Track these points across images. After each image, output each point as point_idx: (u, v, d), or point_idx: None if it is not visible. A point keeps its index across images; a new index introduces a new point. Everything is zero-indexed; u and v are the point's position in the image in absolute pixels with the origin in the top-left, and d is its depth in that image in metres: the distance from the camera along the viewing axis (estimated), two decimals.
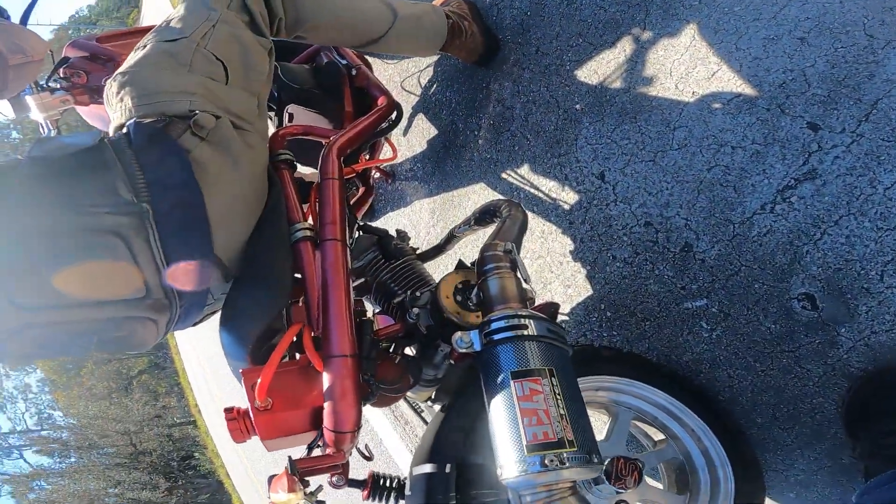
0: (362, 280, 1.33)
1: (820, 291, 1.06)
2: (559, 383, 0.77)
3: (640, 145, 1.32)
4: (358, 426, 0.88)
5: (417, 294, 1.07)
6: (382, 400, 1.00)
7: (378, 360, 0.96)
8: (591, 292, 1.43)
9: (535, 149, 1.58)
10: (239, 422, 0.89)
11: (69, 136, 1.00)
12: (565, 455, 0.70)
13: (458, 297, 1.03)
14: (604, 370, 1.10)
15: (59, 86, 1.46)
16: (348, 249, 1.05)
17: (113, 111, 0.97)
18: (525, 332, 0.81)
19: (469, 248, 1.83)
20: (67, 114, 1.54)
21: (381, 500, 0.95)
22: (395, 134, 2.11)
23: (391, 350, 1.06)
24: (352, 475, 0.94)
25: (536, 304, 1.06)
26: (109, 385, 23.09)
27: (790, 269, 1.10)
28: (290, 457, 0.87)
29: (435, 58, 1.94)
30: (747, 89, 1.16)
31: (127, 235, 0.83)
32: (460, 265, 1.11)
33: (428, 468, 0.89)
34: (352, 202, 1.70)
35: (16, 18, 1.30)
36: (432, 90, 1.96)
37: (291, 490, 0.80)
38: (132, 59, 1.01)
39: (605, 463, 0.78)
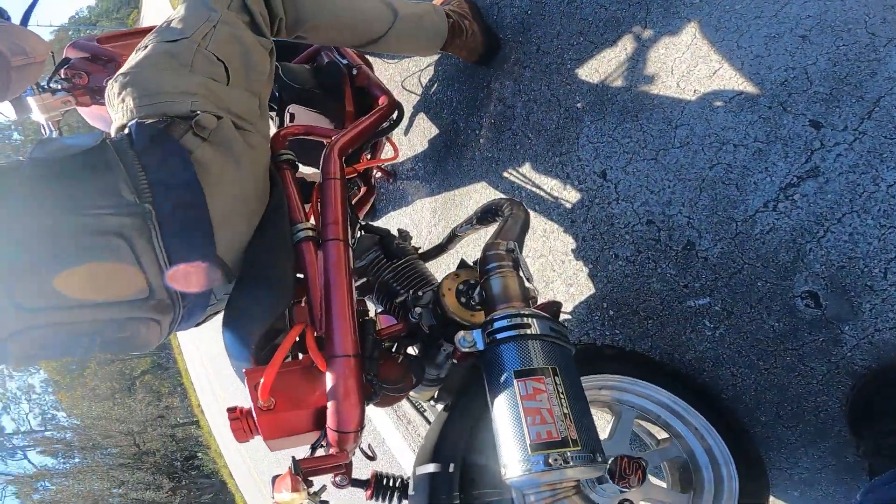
0: (364, 280, 1.33)
1: (823, 289, 1.06)
2: (562, 382, 0.77)
3: (641, 143, 1.32)
4: (361, 426, 0.88)
5: (420, 293, 1.07)
6: (385, 400, 1.00)
7: (381, 359, 0.96)
8: (593, 291, 1.43)
9: (537, 147, 1.58)
10: (242, 422, 0.89)
11: (71, 137, 0.99)
12: (569, 454, 0.70)
13: (461, 297, 1.03)
14: (607, 369, 1.10)
15: (60, 87, 1.46)
16: (350, 249, 1.05)
17: (114, 112, 0.97)
18: (528, 331, 0.81)
19: (471, 248, 1.82)
20: (69, 115, 1.54)
21: (384, 499, 0.95)
22: (397, 133, 2.11)
23: (394, 350, 1.06)
24: (355, 475, 0.94)
25: (539, 302, 1.06)
26: (113, 385, 23.11)
27: (793, 267, 1.09)
28: (293, 457, 0.87)
29: (435, 57, 1.94)
30: (749, 87, 1.16)
31: (130, 236, 0.83)
32: (462, 264, 1.11)
33: (431, 468, 0.89)
34: (353, 202, 1.70)
35: (16, 19, 1.29)
36: (433, 89, 1.96)
37: (295, 490, 0.80)
38: (133, 59, 1.01)
39: (609, 462, 0.78)
